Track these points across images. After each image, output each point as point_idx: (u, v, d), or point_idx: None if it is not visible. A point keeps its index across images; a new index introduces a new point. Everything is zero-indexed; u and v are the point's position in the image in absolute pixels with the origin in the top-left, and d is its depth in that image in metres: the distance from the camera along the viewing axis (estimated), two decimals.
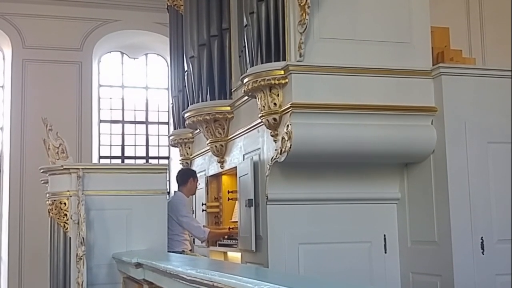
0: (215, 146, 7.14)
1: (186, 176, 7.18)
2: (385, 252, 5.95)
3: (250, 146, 6.34)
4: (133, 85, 12.17)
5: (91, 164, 8.69)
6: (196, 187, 7.30)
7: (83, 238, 5.55)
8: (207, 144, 7.27)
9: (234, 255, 6.86)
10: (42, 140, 6.36)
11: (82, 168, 5.88)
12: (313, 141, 5.34)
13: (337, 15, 5.60)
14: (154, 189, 6.12)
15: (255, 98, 5.71)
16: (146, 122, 12.12)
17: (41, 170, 6.24)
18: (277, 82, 5.42)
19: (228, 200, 7.36)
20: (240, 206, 6.44)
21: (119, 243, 5.90)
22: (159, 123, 12.21)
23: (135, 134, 12.04)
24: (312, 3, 5.30)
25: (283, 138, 5.37)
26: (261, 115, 5.61)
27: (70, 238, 5.78)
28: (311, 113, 5.34)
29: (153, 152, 12.12)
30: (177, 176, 7.29)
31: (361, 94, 5.49)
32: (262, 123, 5.75)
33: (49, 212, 6.01)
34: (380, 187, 5.96)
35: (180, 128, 8.40)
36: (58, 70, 10.95)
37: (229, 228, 7.04)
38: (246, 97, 6.16)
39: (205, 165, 7.84)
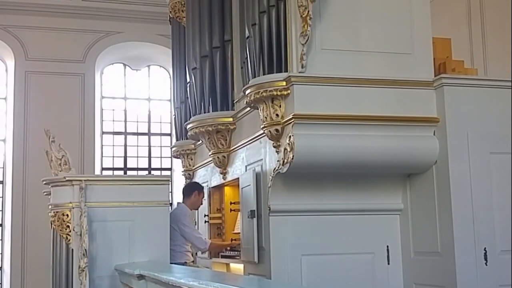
0: (218, 157, 7.13)
1: (191, 189, 7.22)
2: (388, 263, 5.93)
3: (253, 157, 6.34)
4: (136, 97, 12.22)
5: (94, 176, 8.69)
6: (201, 202, 7.28)
7: (85, 249, 5.55)
8: (210, 155, 7.27)
9: (237, 267, 6.84)
10: (44, 151, 6.38)
11: (84, 180, 5.89)
12: (316, 152, 5.34)
13: (339, 26, 5.61)
14: (156, 201, 6.13)
15: (257, 109, 5.72)
16: (148, 134, 12.15)
17: (44, 182, 6.25)
18: (279, 93, 5.42)
19: (230, 211, 7.34)
20: (242, 217, 6.43)
21: (121, 255, 5.91)
22: (161, 134, 12.24)
23: (137, 146, 12.07)
24: (314, 14, 5.31)
25: (285, 149, 5.37)
26: (263, 126, 5.61)
27: (72, 249, 5.78)
28: (313, 124, 5.34)
29: (155, 163, 12.15)
30: (183, 188, 7.35)
31: (363, 105, 5.49)
32: (264, 134, 5.75)
33: (51, 223, 6.01)
34: (383, 198, 5.94)
35: (182, 139, 8.40)
36: (61, 82, 11.00)
37: (232, 240, 7.03)
38: (248, 108, 6.17)
39: (207, 176, 7.83)
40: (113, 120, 11.99)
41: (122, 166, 11.91)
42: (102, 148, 11.75)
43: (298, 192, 5.73)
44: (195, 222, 7.90)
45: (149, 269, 4.72)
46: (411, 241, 5.83)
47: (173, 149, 8.72)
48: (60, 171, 6.11)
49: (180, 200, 7.35)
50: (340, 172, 5.68)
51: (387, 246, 5.94)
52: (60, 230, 5.87)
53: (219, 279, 3.51)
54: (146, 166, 12.05)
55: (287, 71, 5.48)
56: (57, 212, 5.94)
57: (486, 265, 5.40)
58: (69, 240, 5.81)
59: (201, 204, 7.31)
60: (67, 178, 5.90)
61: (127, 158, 11.94)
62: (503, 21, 8.64)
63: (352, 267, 5.80)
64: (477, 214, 5.44)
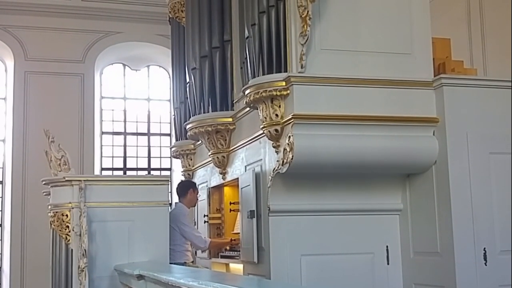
0: (217, 157, 7.14)
1: (186, 188, 7.23)
2: (388, 264, 5.93)
3: (252, 157, 6.34)
4: (135, 97, 12.21)
5: (93, 176, 8.69)
6: (197, 199, 7.33)
7: (85, 250, 5.55)
8: (209, 155, 7.28)
9: (236, 267, 6.84)
10: (44, 152, 6.37)
11: (84, 180, 5.89)
12: (315, 152, 5.34)
13: (339, 26, 5.61)
14: (156, 201, 6.13)
15: (257, 109, 5.72)
16: (148, 134, 12.15)
17: (43, 182, 6.24)
18: (278, 93, 5.42)
19: (230, 212, 7.34)
20: (242, 217, 6.43)
21: (121, 255, 5.90)
22: (161, 134, 12.24)
23: (137, 146, 12.07)
24: (313, 14, 5.31)
25: (285, 149, 5.37)
26: (263, 126, 5.61)
27: (72, 250, 5.77)
28: (313, 124, 5.34)
29: (155, 163, 12.15)
30: (177, 188, 7.34)
31: (363, 105, 5.49)
32: (264, 134, 5.75)
33: (51, 224, 6.01)
34: (382, 198, 5.94)
35: (182, 139, 8.40)
36: (60, 82, 11.00)
37: (231, 239, 7.04)
38: (248, 109, 6.17)
39: (207, 177, 7.83)
40: (113, 120, 11.99)
41: (122, 166, 11.90)
42: (101, 148, 11.75)
43: (297, 192, 5.73)
44: (195, 222, 7.91)
45: (149, 269, 4.71)
46: (410, 241, 5.83)
47: (173, 149, 8.73)
48: (60, 171, 6.10)
49: (177, 200, 7.35)
50: (339, 172, 5.68)
51: (387, 246, 5.95)
52: (60, 230, 5.87)
53: (219, 279, 3.51)
54: (146, 166, 12.05)
55: (286, 71, 5.48)
56: (56, 212, 5.93)
57: (486, 265, 5.40)
58: (69, 240, 5.80)
59: (197, 200, 7.33)
60: (66, 178, 5.90)
61: (127, 158, 11.94)
62: (503, 21, 8.64)
63: (351, 267, 5.80)
64: (476, 214, 5.44)
